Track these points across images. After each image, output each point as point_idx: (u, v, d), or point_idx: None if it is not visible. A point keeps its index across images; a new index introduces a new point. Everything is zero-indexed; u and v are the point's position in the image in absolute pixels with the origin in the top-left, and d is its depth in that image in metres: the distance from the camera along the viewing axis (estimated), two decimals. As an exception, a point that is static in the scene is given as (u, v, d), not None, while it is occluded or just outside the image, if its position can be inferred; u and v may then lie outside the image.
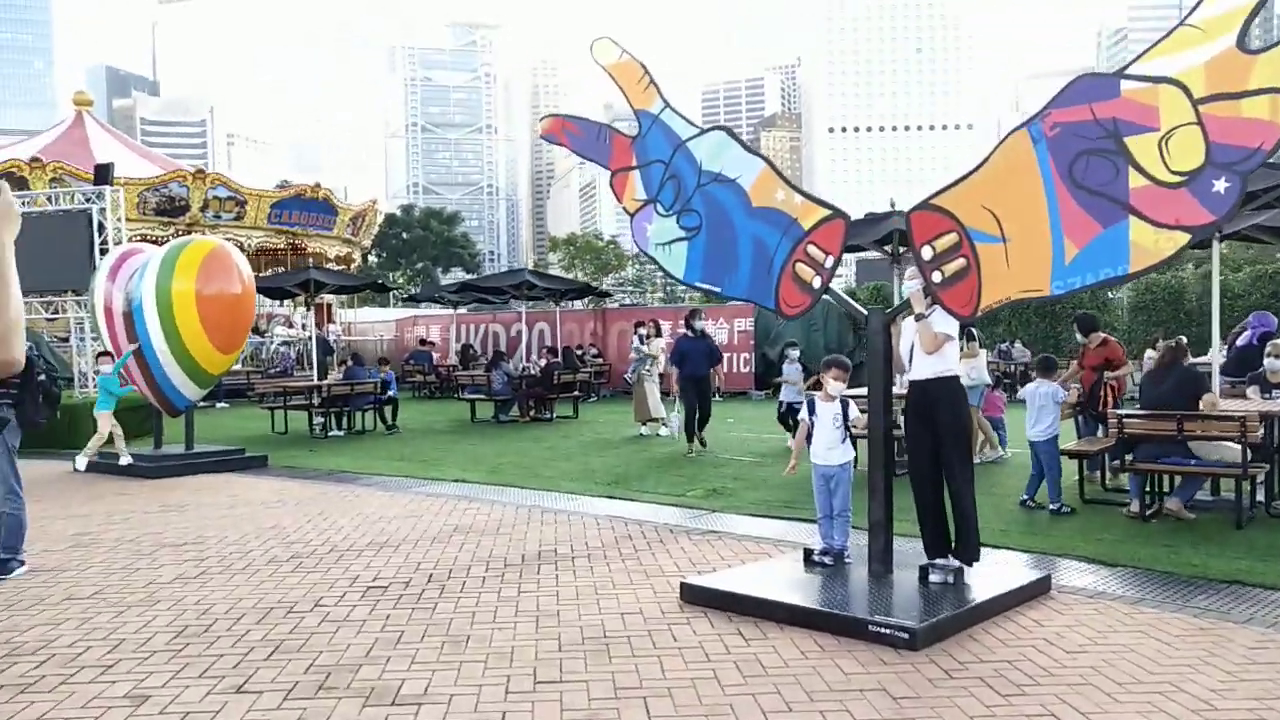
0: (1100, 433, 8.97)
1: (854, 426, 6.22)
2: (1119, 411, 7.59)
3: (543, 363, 18.50)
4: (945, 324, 5.76)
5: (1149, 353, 13.34)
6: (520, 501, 9.36)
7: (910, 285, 5.87)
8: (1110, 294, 22.26)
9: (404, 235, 75.49)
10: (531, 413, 17.43)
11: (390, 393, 16.25)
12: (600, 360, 22.94)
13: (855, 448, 6.43)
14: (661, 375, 15.02)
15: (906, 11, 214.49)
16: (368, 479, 11.01)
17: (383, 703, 4.27)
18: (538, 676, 4.58)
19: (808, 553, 6.23)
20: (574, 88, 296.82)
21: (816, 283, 6.07)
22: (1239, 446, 7.13)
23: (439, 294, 25.80)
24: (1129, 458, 7.66)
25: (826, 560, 6.11)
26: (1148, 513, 7.68)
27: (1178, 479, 7.87)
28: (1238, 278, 21.29)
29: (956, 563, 5.67)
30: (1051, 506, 8.08)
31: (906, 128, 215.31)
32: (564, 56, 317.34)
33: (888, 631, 4.89)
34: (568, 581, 6.31)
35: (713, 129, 6.77)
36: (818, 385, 6.86)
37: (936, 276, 5.60)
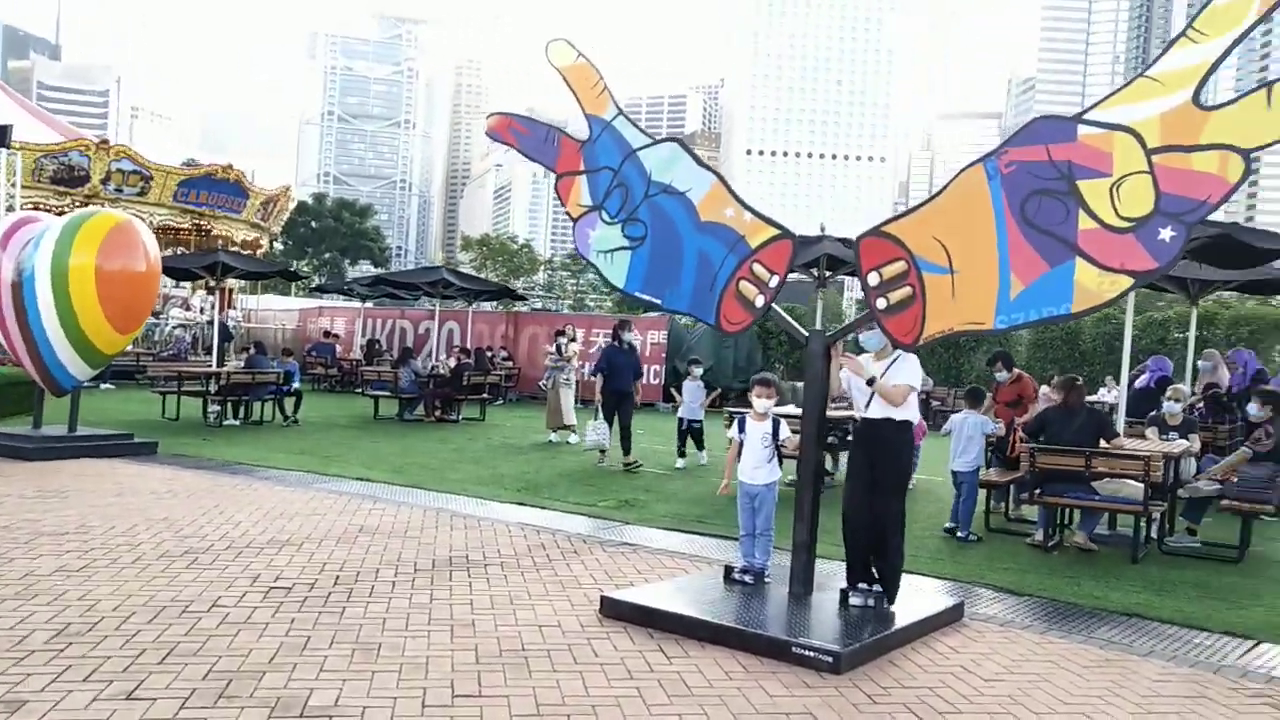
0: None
1: (784, 447, 6.18)
2: (1031, 445, 7.73)
3: (453, 362, 18.12)
4: (908, 376, 5.74)
5: (1044, 389, 13.75)
6: (427, 504, 9.08)
7: (869, 339, 5.87)
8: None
9: (313, 224, 73.56)
10: (438, 413, 17.05)
11: (294, 384, 15.70)
12: (510, 363, 22.63)
13: (782, 467, 6.38)
14: (579, 383, 14.85)
15: (830, 45, 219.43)
16: (265, 472, 10.55)
17: (290, 714, 4.01)
18: (456, 689, 4.37)
19: (728, 570, 6.16)
20: (498, 88, 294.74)
21: (760, 301, 6.01)
22: (1140, 485, 7.34)
23: (349, 286, 25.12)
24: (1038, 491, 7.82)
25: (747, 579, 6.05)
26: (1050, 544, 7.85)
27: (1080, 513, 8.09)
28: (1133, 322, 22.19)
29: (878, 588, 5.66)
30: (960, 534, 8.20)
31: (822, 156, 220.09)
32: (489, 57, 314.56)
33: (811, 654, 4.84)
34: (482, 590, 6.10)
35: (665, 140, 6.68)
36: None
37: (881, 303, 5.59)
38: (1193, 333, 11.55)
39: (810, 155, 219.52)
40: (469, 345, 20.62)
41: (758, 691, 4.49)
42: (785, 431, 6.16)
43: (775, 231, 6.06)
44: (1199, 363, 9.91)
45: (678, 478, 11.35)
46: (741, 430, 6.22)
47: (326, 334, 25.75)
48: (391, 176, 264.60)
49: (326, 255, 74.06)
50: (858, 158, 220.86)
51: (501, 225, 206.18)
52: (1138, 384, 11.97)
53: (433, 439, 14.39)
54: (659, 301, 6.63)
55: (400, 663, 4.68)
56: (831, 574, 6.35)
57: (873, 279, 5.68)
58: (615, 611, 5.59)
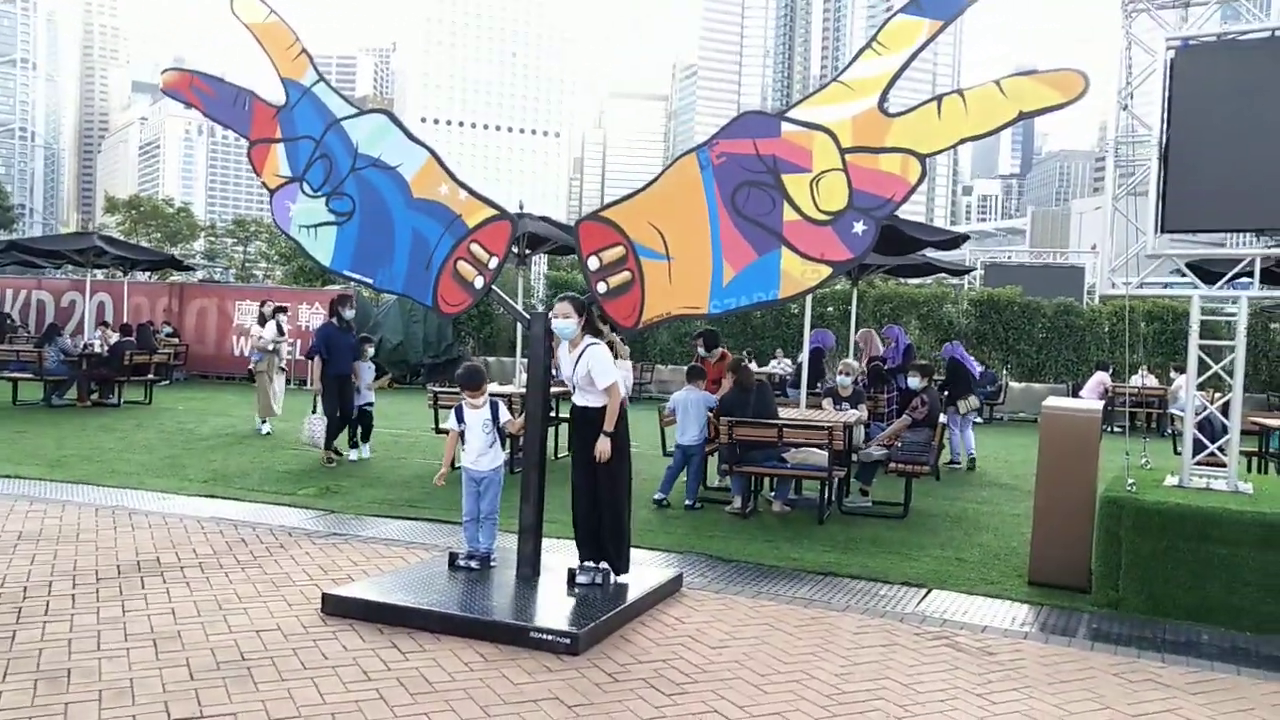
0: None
1: (505, 429, 6.17)
2: (729, 419, 8.27)
3: (111, 339, 16.28)
4: (603, 372, 5.71)
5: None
6: (98, 501, 8.15)
7: (563, 328, 5.80)
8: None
9: (-91, 176, 62.73)
10: (94, 396, 15.28)
11: (-96, 367, 13.40)
12: (177, 340, 20.71)
13: (506, 449, 6.37)
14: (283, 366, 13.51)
15: (504, 15, 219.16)
16: (-119, 474, 8.98)
17: (-28, 763, 3.47)
18: (172, 713, 3.98)
19: (453, 556, 6.09)
20: (137, 32, 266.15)
21: (479, 282, 5.95)
22: (825, 453, 8.11)
23: (-33, 252, 21.68)
24: (736, 463, 8.39)
25: (473, 564, 6.01)
26: (748, 510, 8.47)
27: (773, 481, 8.79)
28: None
29: (605, 565, 5.82)
30: (688, 502, 8.73)
31: (498, 128, 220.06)
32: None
33: (549, 638, 4.91)
34: (182, 596, 5.59)
35: (373, 111, 6.41)
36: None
37: (601, 287, 5.73)
38: (854, 309, 12.87)
39: (486, 126, 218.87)
40: (128, 320, 18.58)
41: (501, 680, 4.48)
42: (505, 414, 6.15)
43: (493, 211, 6.01)
44: (855, 339, 11.08)
45: (373, 461, 10.92)
46: (461, 421, 6.13)
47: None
48: (9, 124, 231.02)
49: (-70, 214, 63.46)
50: (533, 131, 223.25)
51: (150, 185, 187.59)
52: (800, 357, 13.13)
53: (92, 426, 12.86)
54: (370, 281, 6.37)
55: (99, 689, 4.19)
56: (553, 551, 6.46)
57: (593, 263, 5.80)
58: (339, 609, 5.34)
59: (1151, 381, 18.35)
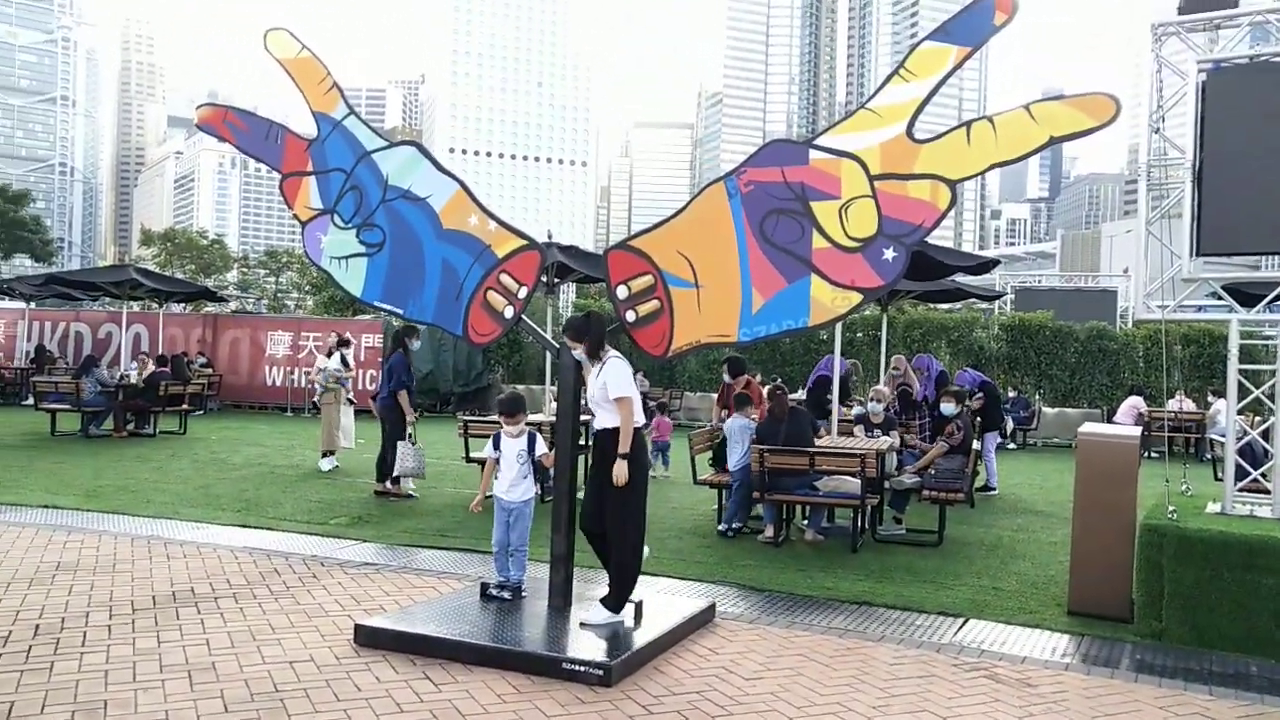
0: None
1: (541, 462, 6.12)
2: (760, 447, 8.23)
3: (147, 370, 16.49)
4: (619, 385, 5.54)
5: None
6: (134, 532, 8.22)
7: (574, 353, 5.72)
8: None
9: (-48, 211, 64.01)
10: (130, 427, 15.46)
11: (-53, 399, 13.63)
12: (210, 371, 20.96)
13: (538, 483, 6.34)
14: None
15: (531, 46, 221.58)
16: (-78, 505, 9.12)
17: (11, 796, 3.49)
18: (207, 745, 3.99)
19: (484, 586, 6.07)
20: (174, 68, 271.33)
21: (509, 312, 5.98)
22: (858, 480, 8.04)
23: (9, 285, 22.11)
24: (767, 490, 8.33)
25: (504, 595, 5.99)
26: (779, 539, 8.41)
27: (805, 509, 8.72)
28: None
29: (639, 597, 5.76)
30: (721, 528, 8.72)
31: (525, 157, 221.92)
32: (162, 32, 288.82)
33: (582, 669, 4.87)
34: (216, 627, 5.61)
35: (403, 143, 6.48)
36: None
37: (630, 316, 5.75)
38: (884, 335, 12.80)
39: (514, 156, 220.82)
40: (163, 351, 18.84)
41: (534, 712, 4.45)
42: (542, 447, 6.13)
43: (522, 242, 6.05)
44: (892, 371, 11.06)
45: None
46: (497, 447, 6.13)
47: None
48: (49, 159, 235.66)
49: (-28, 249, 64.71)
50: (560, 161, 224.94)
51: (184, 217, 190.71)
52: (809, 381, 13.11)
53: (128, 457, 13.01)
54: (400, 312, 6.43)
55: (135, 721, 4.20)
56: (585, 581, 6.44)
57: (621, 292, 5.82)
58: (371, 640, 5.34)
59: (1189, 406, 18.07)
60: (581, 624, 5.50)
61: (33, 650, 5.08)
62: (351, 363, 13.54)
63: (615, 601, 5.61)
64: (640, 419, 5.67)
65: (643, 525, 5.74)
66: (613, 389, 5.53)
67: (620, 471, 5.45)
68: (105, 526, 8.40)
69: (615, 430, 5.57)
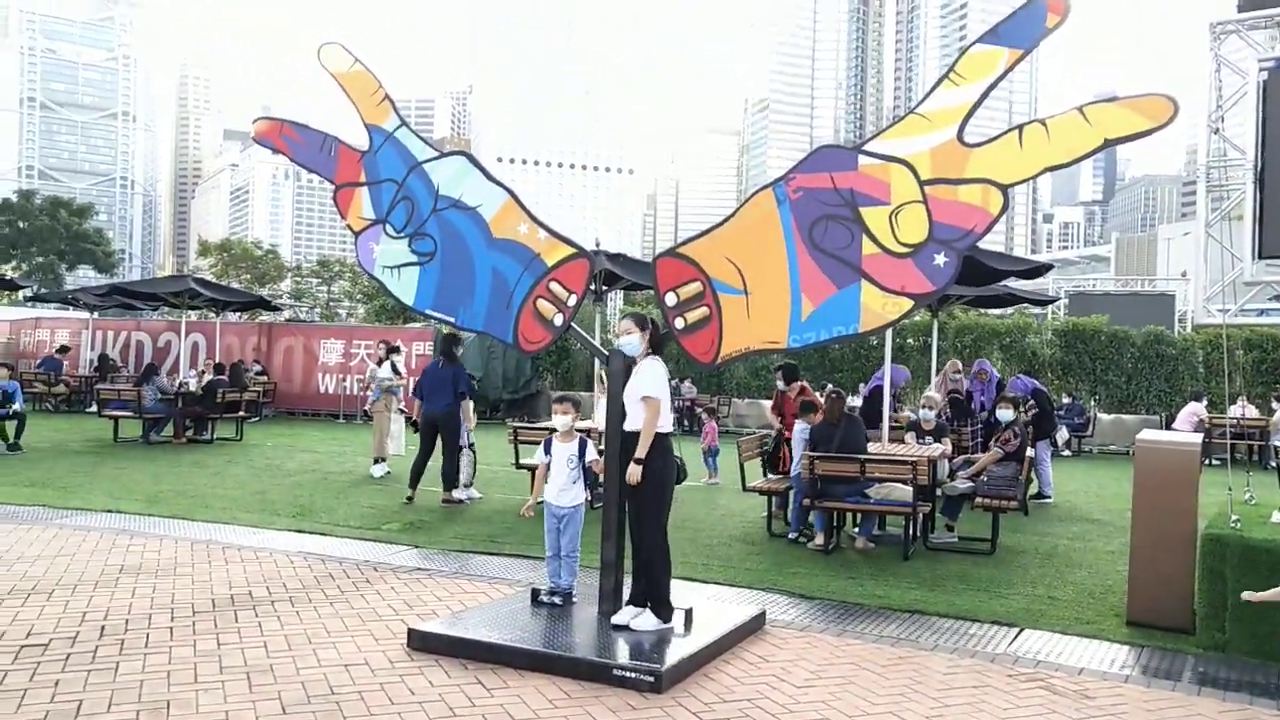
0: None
1: (591, 468, 6.15)
2: (811, 453, 8.19)
3: (205, 378, 16.85)
4: (649, 386, 5.55)
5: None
6: (193, 536, 8.40)
7: (627, 344, 5.72)
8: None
9: (20, 224, 65.97)
10: (189, 433, 15.80)
11: (15, 405, 14.04)
12: (265, 378, 21.35)
13: (588, 489, 6.37)
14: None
15: (576, 55, 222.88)
16: (-8, 509, 9.40)
17: (79, 792, 3.59)
18: (266, 746, 4.07)
19: (535, 592, 6.11)
20: (229, 82, 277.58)
21: (558, 320, 6.02)
22: (909, 487, 7.96)
23: (74, 295, 22.73)
24: (818, 497, 8.28)
25: (555, 600, 6.02)
26: (830, 546, 8.35)
27: (857, 516, 8.65)
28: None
29: (689, 604, 5.76)
30: (791, 535, 8.77)
31: (573, 165, 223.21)
32: (218, 47, 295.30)
33: (633, 675, 4.89)
34: (274, 630, 5.72)
35: (454, 154, 6.57)
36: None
37: (679, 323, 5.75)
38: (934, 341, 12.68)
39: (561, 165, 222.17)
40: (220, 359, 19.25)
41: (585, 718, 4.47)
42: (592, 453, 6.16)
43: (571, 250, 6.08)
44: (952, 375, 10.96)
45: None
46: (548, 452, 6.18)
47: (62, 349, 23.15)
48: (110, 173, 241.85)
49: (39, 260, 66.69)
50: (607, 169, 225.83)
51: (240, 228, 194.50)
52: (864, 390, 12.98)
53: (186, 462, 13.31)
54: (452, 320, 6.49)
55: (196, 721, 4.30)
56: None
57: (670, 299, 5.83)
58: (424, 644, 5.40)
59: (1251, 412, 17.63)
60: (628, 628, 5.51)
61: (99, 650, 5.22)
62: (403, 370, 13.69)
63: (657, 606, 5.61)
64: (668, 425, 5.67)
65: (663, 525, 5.70)
66: (642, 387, 5.55)
67: (633, 472, 5.47)
68: (166, 531, 8.59)
69: (635, 433, 5.56)
